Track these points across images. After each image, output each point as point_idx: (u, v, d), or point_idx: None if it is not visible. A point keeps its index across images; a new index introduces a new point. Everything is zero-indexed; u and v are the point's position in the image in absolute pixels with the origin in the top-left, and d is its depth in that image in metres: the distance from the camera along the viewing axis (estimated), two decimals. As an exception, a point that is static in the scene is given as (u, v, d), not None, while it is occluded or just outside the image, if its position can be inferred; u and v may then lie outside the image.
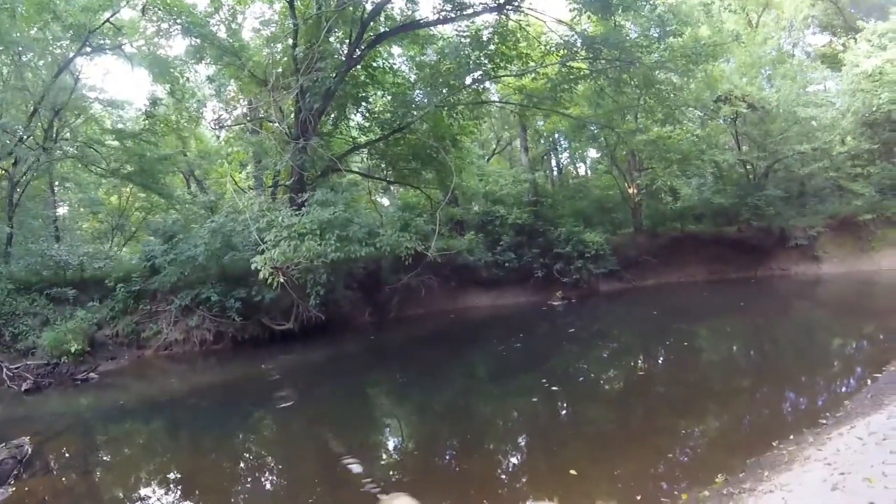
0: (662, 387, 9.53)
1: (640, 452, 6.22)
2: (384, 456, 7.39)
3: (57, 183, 22.29)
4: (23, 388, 11.81)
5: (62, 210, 23.21)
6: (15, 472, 6.62)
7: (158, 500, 6.34)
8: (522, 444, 7.42)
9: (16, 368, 12.39)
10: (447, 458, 7.04)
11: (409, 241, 15.89)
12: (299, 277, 13.37)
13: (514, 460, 6.80)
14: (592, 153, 29.56)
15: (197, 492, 6.46)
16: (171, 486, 6.78)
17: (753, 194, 22.74)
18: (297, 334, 14.99)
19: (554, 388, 9.41)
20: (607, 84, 18.47)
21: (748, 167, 24.53)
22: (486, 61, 17.13)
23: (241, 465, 7.35)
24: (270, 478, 6.96)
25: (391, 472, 6.51)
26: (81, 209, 23.94)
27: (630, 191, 24.61)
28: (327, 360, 13.90)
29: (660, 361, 11.86)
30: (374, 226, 16.36)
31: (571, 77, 18.09)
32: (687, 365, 10.88)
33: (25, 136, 17.84)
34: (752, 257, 23.04)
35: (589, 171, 32.30)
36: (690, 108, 22.38)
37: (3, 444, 7.00)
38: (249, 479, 6.84)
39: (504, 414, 8.90)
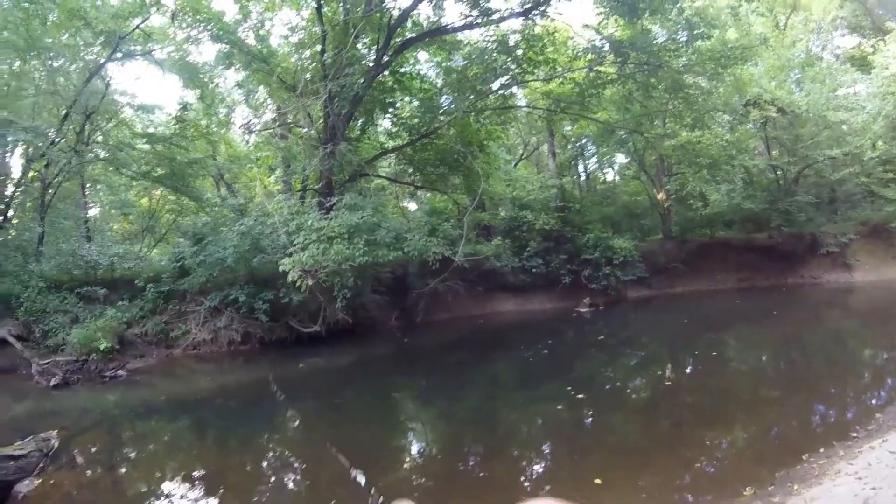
0: (690, 396, 9.47)
1: (666, 463, 6.19)
2: (406, 459, 7.52)
3: (88, 185, 22.90)
4: (51, 384, 12.16)
5: (93, 211, 23.88)
6: (41, 464, 6.77)
7: (181, 497, 6.53)
8: (546, 451, 7.44)
9: (45, 364, 12.76)
10: (470, 463, 7.09)
11: (437, 245, 16.15)
12: (327, 281, 13.64)
13: (537, 468, 6.81)
14: (620, 158, 29.51)
15: (221, 490, 6.62)
16: (195, 483, 6.98)
17: (784, 200, 22.60)
18: (323, 337, 15.21)
19: (579, 395, 9.42)
20: (635, 88, 18.62)
21: (778, 172, 24.38)
22: (513, 66, 17.33)
23: (265, 464, 7.54)
24: (293, 478, 7.08)
25: (413, 476, 6.64)
26: (112, 211, 24.64)
27: (659, 196, 24.53)
28: (353, 363, 14.10)
29: (688, 370, 11.79)
30: (401, 230, 16.60)
31: (599, 82, 18.20)
32: (715, 374, 10.80)
33: (57, 140, 18.39)
34: (782, 265, 22.88)
35: (617, 177, 32.21)
36: (719, 113, 22.33)
37: (31, 437, 7.18)
38: (272, 479, 7.01)
39: (528, 420, 8.91)
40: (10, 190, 18.91)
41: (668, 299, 21.54)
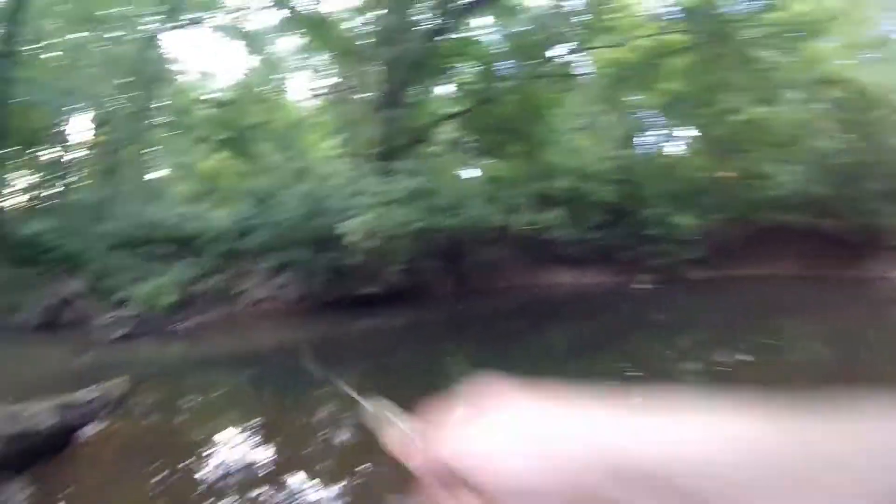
0: (746, 383, 8.81)
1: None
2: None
3: (152, 149, 23.61)
4: (116, 336, 12.58)
5: (158, 174, 24.66)
6: (104, 412, 6.94)
7: (234, 446, 6.64)
8: None
9: (111, 317, 13.26)
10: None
11: (495, 214, 16.01)
12: (384, 244, 13.71)
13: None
14: (684, 132, 28.70)
15: (273, 441, 6.73)
16: (249, 433, 7.08)
17: (852, 187, 21.46)
18: (379, 299, 15.28)
19: (635, 373, 9.15)
20: (701, 59, 18.01)
21: (848, 157, 23.27)
22: (575, 33, 17.02)
23: (316, 418, 7.52)
24: (343, 437, 6.99)
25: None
26: (176, 173, 25.35)
27: (722, 174, 23.76)
28: (406, 326, 14.15)
29: (745, 358, 11.13)
30: (460, 197, 16.51)
31: (664, 51, 17.72)
32: (774, 364, 10.12)
33: (119, 107, 18.97)
34: (848, 255, 21.64)
35: (680, 151, 31.32)
36: (788, 90, 21.46)
37: (94, 386, 7.31)
38: (324, 432, 7.04)
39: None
40: (74, 155, 19.70)
41: (728, 282, 20.76)
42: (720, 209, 24.66)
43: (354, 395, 0.93)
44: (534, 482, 0.41)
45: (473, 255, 17.69)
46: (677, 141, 30.79)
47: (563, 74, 18.67)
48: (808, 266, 21.54)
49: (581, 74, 20.84)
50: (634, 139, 28.37)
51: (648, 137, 29.76)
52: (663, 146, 31.76)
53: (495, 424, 0.46)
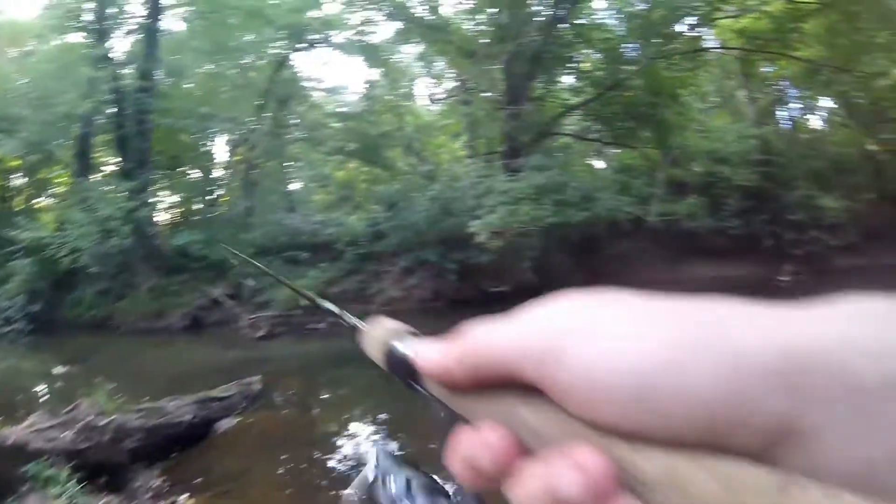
0: None
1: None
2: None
3: (290, 163, 25.41)
4: (258, 335, 13.59)
5: (295, 186, 26.52)
6: (242, 405, 7.42)
7: (366, 436, 6.98)
8: None
9: (253, 318, 14.33)
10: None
11: (628, 205, 15.70)
12: (514, 241, 13.81)
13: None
14: (827, 103, 26.54)
15: (401, 434, 6.96)
16: (376, 426, 7.42)
17: None
18: (510, 297, 15.30)
19: None
20: (840, 19, 16.64)
21: None
22: (700, 3, 16.28)
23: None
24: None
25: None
26: (312, 184, 27.10)
27: (872, 147, 21.80)
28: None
29: None
30: (590, 189, 16.28)
31: (798, 13, 16.55)
32: None
33: (257, 126, 20.51)
34: None
35: (824, 125, 29.02)
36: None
37: (236, 382, 7.88)
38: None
39: None
40: (219, 173, 21.51)
41: (883, 270, 18.82)
42: (870, 188, 22.66)
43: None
44: (666, 379, 0.26)
45: (606, 249, 17.36)
46: (819, 114, 28.66)
47: (690, 50, 17.77)
48: None
49: (709, 49, 19.80)
50: (773, 115, 26.63)
51: (787, 112, 27.86)
52: (804, 121, 29.64)
53: (597, 301, 0.31)
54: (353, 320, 0.64)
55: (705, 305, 0.29)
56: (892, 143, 20.58)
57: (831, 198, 19.33)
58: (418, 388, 0.43)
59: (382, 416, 7.81)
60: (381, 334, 0.51)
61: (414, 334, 0.48)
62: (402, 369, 0.45)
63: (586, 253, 17.57)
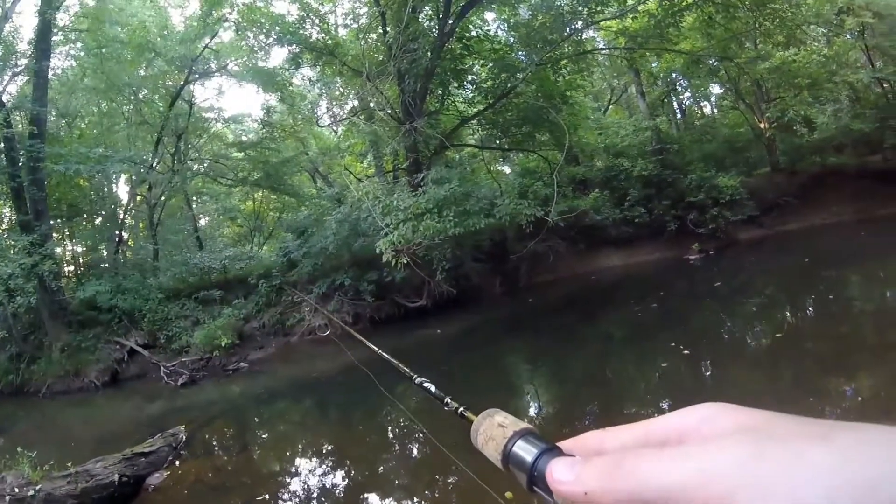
0: (811, 343, 8.84)
1: (790, 412, 5.90)
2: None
3: (194, 198, 25.08)
4: (179, 383, 13.48)
5: (203, 221, 26.13)
6: (170, 458, 7.47)
7: (309, 472, 7.10)
8: (665, 407, 7.06)
9: (172, 366, 14.19)
10: (586, 423, 6.99)
11: (528, 207, 16.34)
12: (425, 255, 14.28)
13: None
14: (715, 89, 28.28)
15: (347, 462, 7.12)
16: (321, 458, 7.53)
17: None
18: (430, 310, 15.88)
19: (686, 351, 9.17)
20: (715, 11, 17.84)
21: (885, 86, 22.63)
22: (581, 8, 17.11)
23: (389, 434, 8.00)
24: (414, 446, 7.36)
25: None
26: (219, 217, 26.85)
27: (761, 126, 23.35)
28: (461, 332, 14.58)
29: (808, 315, 11.03)
30: (493, 196, 16.91)
31: (675, 9, 17.61)
32: (838, 318, 9.87)
33: (155, 163, 20.22)
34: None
35: (714, 110, 30.85)
36: (812, 26, 21.06)
37: (160, 434, 7.91)
38: (395, 448, 7.49)
39: (644, 378, 8.74)
40: (120, 216, 21.03)
41: (783, 238, 20.27)
42: (763, 163, 24.39)
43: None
44: None
45: (517, 251, 18.02)
46: (708, 100, 30.56)
47: (578, 53, 18.72)
48: (862, 209, 20.55)
49: (594, 50, 20.87)
50: (665, 106, 28.25)
51: (679, 102, 29.64)
52: (699, 108, 31.52)
53: (757, 441, 0.35)
54: (460, 408, 0.73)
55: (867, 436, 0.32)
56: (777, 119, 22.14)
57: (728, 176, 20.74)
58: (541, 493, 0.47)
59: (326, 448, 7.94)
60: (497, 433, 0.54)
61: (532, 433, 0.53)
62: (524, 473, 0.49)
63: (498, 258, 18.23)
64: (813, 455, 0.32)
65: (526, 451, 0.49)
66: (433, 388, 0.89)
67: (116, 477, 6.37)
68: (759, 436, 0.35)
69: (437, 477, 6.06)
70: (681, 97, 30.02)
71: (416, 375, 1.01)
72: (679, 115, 30.27)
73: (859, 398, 6.19)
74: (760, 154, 24.69)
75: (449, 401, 0.81)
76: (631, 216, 20.15)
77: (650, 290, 15.60)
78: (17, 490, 5.43)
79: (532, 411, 8.19)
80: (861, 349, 7.86)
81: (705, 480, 0.34)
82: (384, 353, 1.57)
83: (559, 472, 0.44)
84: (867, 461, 0.30)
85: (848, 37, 22.53)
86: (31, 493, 5.46)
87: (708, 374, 8.44)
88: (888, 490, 0.29)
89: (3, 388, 15.11)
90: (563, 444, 0.49)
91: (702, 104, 31.87)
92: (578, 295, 17.46)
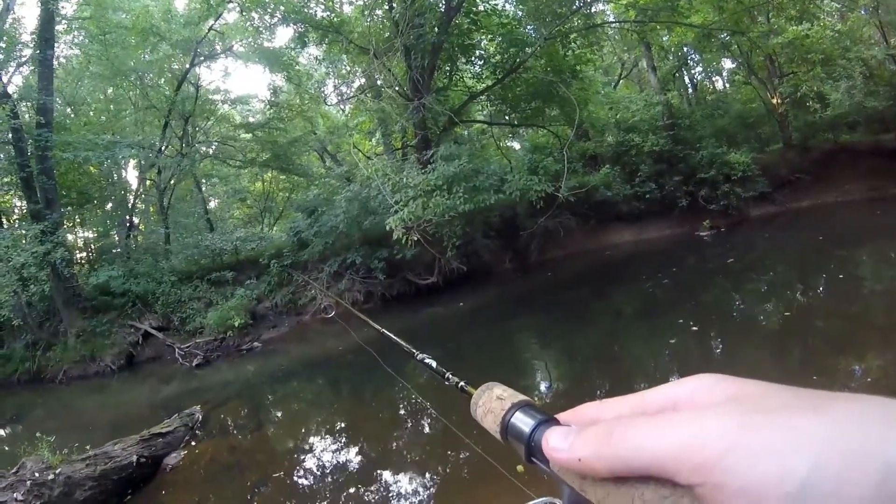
0: (821, 321, 8.79)
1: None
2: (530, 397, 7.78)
3: (203, 180, 25.28)
4: (194, 364, 13.75)
5: (213, 203, 26.42)
6: (187, 438, 7.64)
7: (322, 449, 7.22)
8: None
9: (186, 347, 14.49)
10: (588, 399, 7.07)
11: (538, 183, 16.37)
12: (435, 232, 14.38)
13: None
14: (727, 63, 28.03)
15: (360, 439, 7.24)
16: (334, 435, 7.64)
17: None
18: (441, 287, 16.03)
19: (695, 327, 9.22)
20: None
21: (899, 61, 22.51)
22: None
23: (400, 411, 8.09)
24: (425, 422, 7.44)
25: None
26: (229, 199, 27.16)
27: (773, 101, 23.21)
28: (472, 309, 14.67)
29: (819, 293, 10.90)
30: (503, 172, 16.95)
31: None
32: (849, 297, 9.71)
33: (163, 148, 20.40)
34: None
35: (726, 84, 30.57)
36: (825, 1, 20.88)
37: (177, 415, 8.07)
38: (407, 425, 7.58)
39: (655, 354, 8.73)
40: (130, 201, 21.29)
41: (795, 215, 20.14)
42: (776, 139, 24.29)
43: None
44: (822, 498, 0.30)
45: (527, 227, 18.09)
46: (719, 75, 30.33)
47: (587, 27, 18.59)
48: (875, 186, 20.35)
49: (605, 24, 20.76)
50: (677, 81, 28.07)
51: (690, 77, 29.43)
52: (711, 83, 31.28)
53: (745, 409, 0.37)
54: (460, 383, 0.74)
55: (861, 406, 0.33)
56: (790, 95, 22.01)
57: (740, 152, 20.66)
58: (539, 463, 0.49)
59: (334, 424, 8.05)
60: (496, 406, 0.56)
61: (530, 405, 0.54)
62: (521, 444, 0.50)
63: (509, 234, 18.32)
64: (803, 424, 0.33)
65: (523, 422, 0.52)
66: (434, 364, 0.94)
67: (134, 458, 6.53)
68: (751, 405, 0.37)
69: (449, 452, 6.16)
70: (692, 72, 29.66)
71: (417, 352, 1.05)
72: (690, 90, 29.93)
73: (868, 378, 6.18)
74: (773, 130, 24.55)
75: (450, 376, 0.85)
76: (642, 192, 20.08)
77: (661, 266, 15.53)
78: (37, 475, 5.56)
79: (543, 387, 8.24)
80: (870, 328, 7.82)
81: (695, 446, 0.36)
82: (386, 332, 1.59)
83: (554, 441, 0.46)
84: (858, 431, 0.31)
85: (862, 12, 22.34)
86: (51, 476, 5.61)
87: (717, 350, 8.48)
88: (879, 459, 0.30)
89: (20, 375, 15.41)
90: (561, 416, 0.52)
91: (713, 79, 31.62)
92: (589, 271, 17.50)
